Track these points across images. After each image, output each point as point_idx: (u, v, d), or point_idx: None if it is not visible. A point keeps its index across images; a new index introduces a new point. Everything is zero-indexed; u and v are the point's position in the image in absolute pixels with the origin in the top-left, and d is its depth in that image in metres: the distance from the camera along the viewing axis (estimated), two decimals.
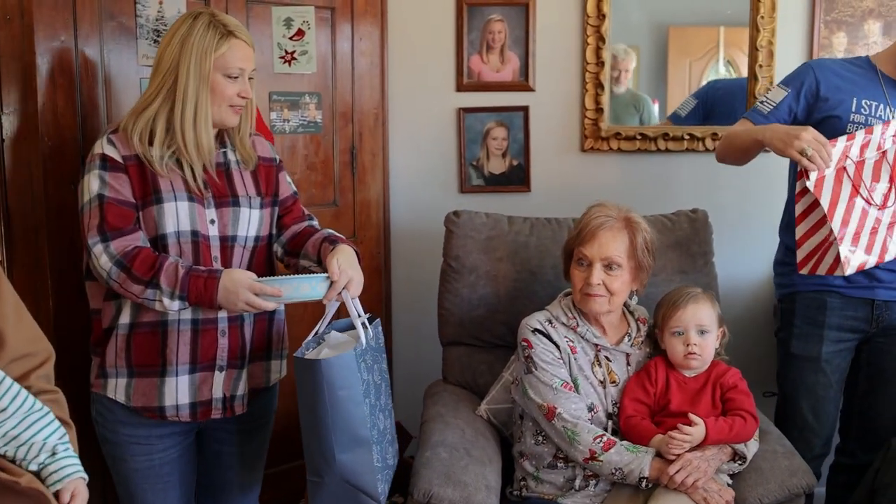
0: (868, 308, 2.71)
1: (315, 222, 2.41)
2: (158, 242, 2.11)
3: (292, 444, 2.51)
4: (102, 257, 2.04)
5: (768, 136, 2.54)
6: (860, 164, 2.52)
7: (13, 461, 1.57)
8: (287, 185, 2.39)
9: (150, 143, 2.12)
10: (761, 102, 2.76)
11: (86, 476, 1.59)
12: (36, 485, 1.50)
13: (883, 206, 2.54)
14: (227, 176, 2.23)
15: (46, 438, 1.58)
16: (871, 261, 2.52)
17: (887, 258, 2.54)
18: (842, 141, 2.48)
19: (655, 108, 3.57)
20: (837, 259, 2.48)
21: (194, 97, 2.12)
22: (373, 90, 3.23)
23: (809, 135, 2.43)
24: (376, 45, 3.23)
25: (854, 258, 2.49)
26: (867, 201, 2.52)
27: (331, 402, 2.04)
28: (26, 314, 1.76)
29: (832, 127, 2.61)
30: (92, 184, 2.09)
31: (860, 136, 2.51)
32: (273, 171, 2.34)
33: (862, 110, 2.63)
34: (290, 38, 2.93)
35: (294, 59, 2.95)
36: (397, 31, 3.32)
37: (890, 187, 2.54)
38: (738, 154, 2.77)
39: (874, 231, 2.53)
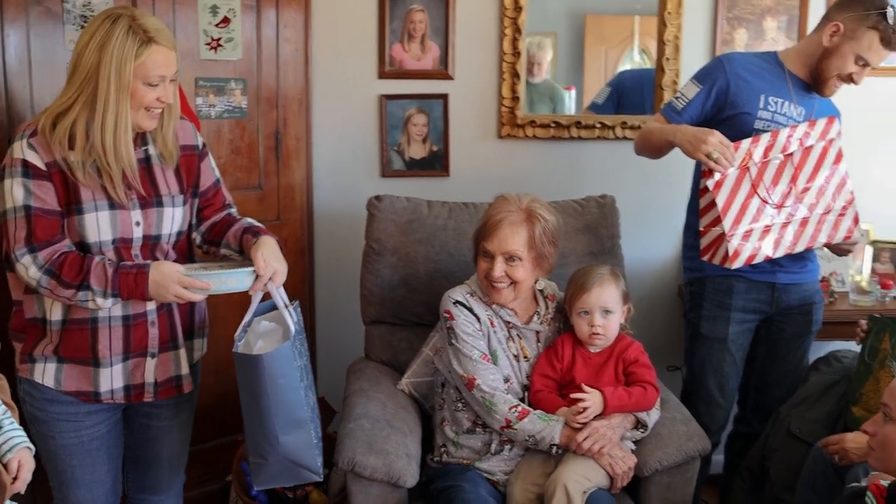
0: (769, 291, 2.89)
1: (234, 210, 2.43)
2: (80, 245, 2.13)
3: (216, 421, 2.60)
4: (31, 268, 2.06)
5: (678, 139, 2.70)
6: (764, 165, 2.69)
7: None
8: (210, 172, 2.39)
9: (71, 149, 2.08)
10: (676, 98, 2.89)
11: (32, 447, 1.67)
12: None
13: (780, 207, 2.71)
14: (150, 175, 2.22)
15: None
16: (762, 255, 2.70)
17: (778, 254, 2.72)
18: (746, 143, 2.66)
19: (572, 95, 3.66)
20: (726, 254, 2.67)
21: (114, 107, 2.06)
22: (297, 76, 3.28)
23: (715, 139, 2.60)
24: (300, 32, 3.27)
25: (743, 253, 2.67)
26: (764, 201, 2.70)
27: (272, 390, 2.13)
28: None
29: (741, 123, 2.78)
30: (16, 192, 2.06)
31: (765, 138, 2.68)
32: (195, 159, 2.33)
33: (769, 107, 2.78)
34: (216, 26, 2.98)
35: (220, 45, 3.00)
36: (321, 19, 3.37)
37: (790, 189, 2.72)
38: (653, 151, 2.91)
39: (767, 230, 2.70)
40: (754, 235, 2.69)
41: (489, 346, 2.57)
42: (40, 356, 2.18)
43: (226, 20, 2.99)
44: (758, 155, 2.68)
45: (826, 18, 2.79)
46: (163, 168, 2.25)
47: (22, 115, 2.62)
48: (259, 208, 3.14)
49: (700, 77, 2.88)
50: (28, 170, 2.07)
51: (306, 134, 3.37)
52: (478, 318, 2.57)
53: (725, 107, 2.82)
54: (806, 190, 2.73)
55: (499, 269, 2.52)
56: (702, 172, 2.71)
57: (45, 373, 2.18)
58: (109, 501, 2.37)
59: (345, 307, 3.40)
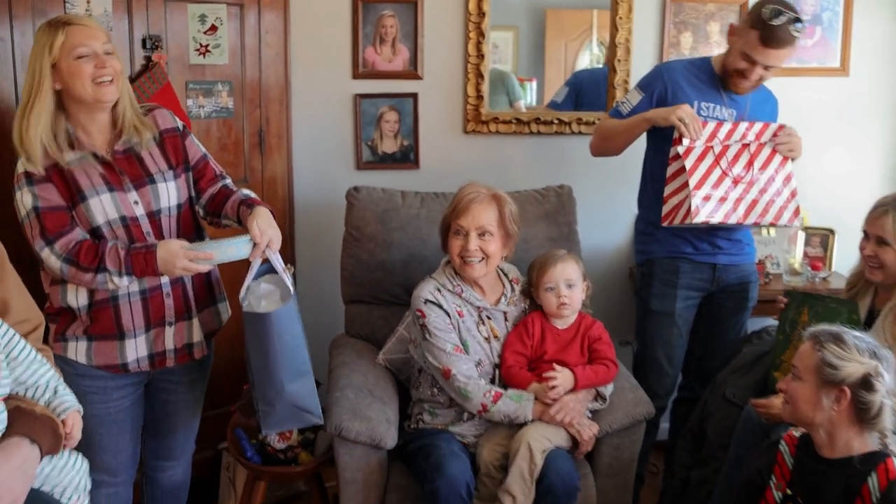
0: (711, 271, 3.17)
1: (228, 181, 2.63)
2: (94, 233, 2.36)
3: (209, 395, 2.84)
4: (51, 258, 2.30)
5: (654, 114, 3.01)
6: (725, 148, 2.98)
7: None
8: (196, 148, 2.58)
9: (61, 151, 2.31)
10: (622, 103, 3.15)
11: (81, 409, 1.92)
12: (48, 412, 1.83)
13: (736, 182, 2.99)
14: (138, 158, 2.43)
15: (49, 381, 1.89)
16: (717, 218, 2.96)
17: (730, 221, 2.99)
18: (712, 123, 2.95)
19: (533, 87, 3.86)
20: (688, 209, 2.94)
21: (50, 93, 2.28)
22: (277, 78, 3.49)
23: (688, 109, 2.91)
24: (280, 37, 3.47)
25: (703, 211, 2.95)
26: (724, 172, 2.98)
27: (279, 344, 2.38)
28: (24, 288, 2.05)
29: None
30: (25, 199, 2.30)
31: (727, 124, 2.97)
32: (178, 139, 2.53)
33: (701, 112, 3.05)
34: (205, 33, 3.20)
35: (208, 51, 3.22)
36: (299, 25, 3.57)
37: (746, 171, 3.00)
38: (617, 143, 3.15)
39: (723, 199, 2.98)
40: (712, 201, 2.96)
41: (460, 337, 2.80)
42: (72, 336, 2.42)
43: (213, 28, 3.21)
44: (722, 134, 2.96)
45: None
46: (149, 151, 2.47)
47: None
48: None
49: (642, 85, 3.14)
50: (31, 178, 2.31)
51: (287, 131, 3.58)
52: (447, 314, 2.79)
53: None
54: (758, 175, 3.01)
55: (473, 242, 2.75)
56: (673, 140, 2.97)
57: (77, 350, 2.42)
58: (130, 466, 2.63)
59: (323, 288, 3.63)
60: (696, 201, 2.94)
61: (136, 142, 2.45)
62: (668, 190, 3.04)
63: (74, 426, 1.88)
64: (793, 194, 3.07)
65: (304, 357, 2.48)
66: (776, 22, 2.86)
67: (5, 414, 1.75)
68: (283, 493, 3.48)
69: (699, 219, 2.95)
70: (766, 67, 2.96)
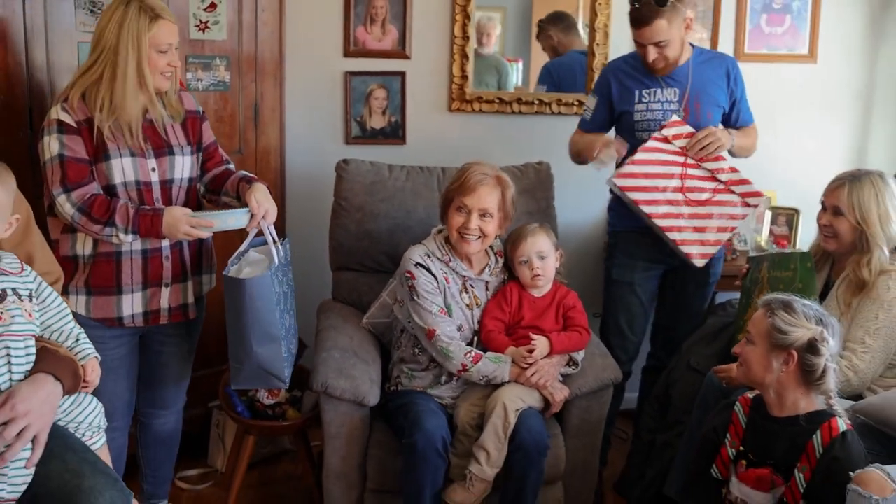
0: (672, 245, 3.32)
1: (231, 165, 2.87)
2: (109, 190, 2.55)
3: (200, 355, 3.00)
4: (66, 205, 2.47)
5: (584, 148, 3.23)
6: (697, 164, 3.14)
7: None
8: (209, 133, 2.83)
9: (100, 111, 2.51)
10: (585, 111, 3.36)
11: (99, 357, 2.10)
12: (70, 355, 2.00)
13: (686, 197, 3.15)
14: (162, 129, 2.66)
15: (72, 329, 2.07)
16: (634, 196, 3.12)
17: (645, 210, 3.14)
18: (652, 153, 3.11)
19: (519, 67, 4.00)
20: (616, 173, 3.15)
21: (135, 70, 2.51)
22: (272, 54, 3.61)
23: (602, 142, 3.15)
24: (276, 15, 3.60)
25: (627, 181, 3.13)
26: (682, 188, 3.13)
27: (251, 309, 2.56)
28: (46, 243, 2.23)
29: (626, 119, 3.25)
30: (52, 145, 2.49)
31: (658, 140, 3.12)
32: (198, 122, 2.78)
33: (643, 100, 3.22)
34: (205, 10, 3.33)
35: (207, 27, 3.35)
36: (294, 3, 3.69)
37: (706, 196, 3.17)
38: (585, 156, 3.31)
39: (662, 190, 3.13)
40: (643, 181, 3.12)
41: (445, 301, 2.96)
42: (73, 289, 2.60)
43: (213, 5, 3.34)
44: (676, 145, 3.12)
45: None
46: (172, 125, 2.69)
47: (41, 87, 2.98)
48: (240, 169, 3.47)
49: (595, 89, 3.35)
50: (62, 127, 2.50)
51: (280, 105, 3.71)
52: (435, 278, 2.94)
53: (615, 109, 3.29)
54: (705, 208, 3.18)
55: (474, 222, 2.89)
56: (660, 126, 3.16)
57: (78, 303, 2.60)
58: (125, 412, 2.81)
59: (311, 255, 3.74)
60: (627, 168, 3.11)
61: (167, 116, 2.67)
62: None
63: (93, 372, 2.06)
64: (718, 242, 3.22)
65: (276, 324, 2.64)
66: (636, 4, 3.07)
67: (34, 350, 1.93)
68: (268, 450, 3.65)
69: (618, 182, 3.12)
70: (657, 45, 3.10)
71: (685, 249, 3.17)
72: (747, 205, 3.21)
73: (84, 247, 2.59)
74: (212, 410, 3.61)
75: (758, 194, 3.21)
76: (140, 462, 3.04)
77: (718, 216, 3.18)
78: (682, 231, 3.15)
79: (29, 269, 1.99)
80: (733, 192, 3.17)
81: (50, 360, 1.93)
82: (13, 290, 1.91)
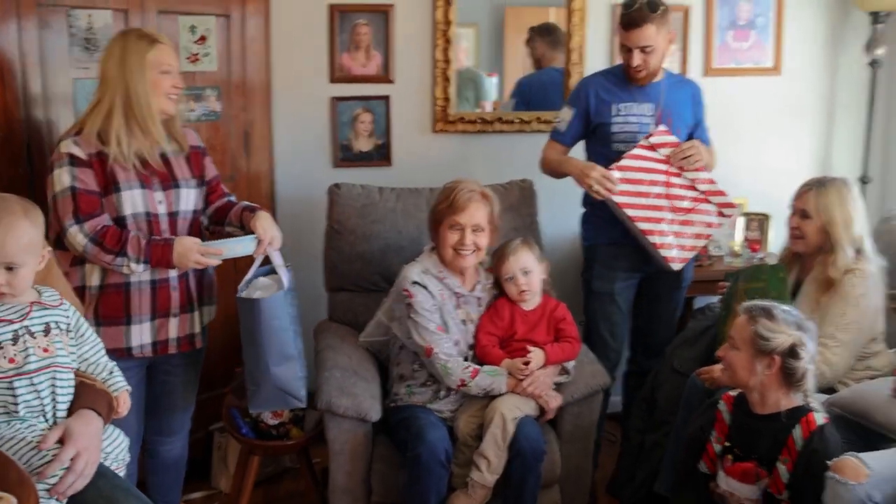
0: (647, 254, 3.41)
1: (233, 197, 2.96)
2: (119, 222, 2.62)
3: (203, 379, 3.08)
4: (79, 236, 2.54)
5: (570, 171, 3.32)
6: (679, 174, 3.27)
7: None
8: (212, 167, 2.92)
9: (108, 143, 2.60)
10: (558, 122, 3.45)
11: (129, 388, 2.19)
12: (104, 388, 2.10)
13: (671, 202, 3.27)
14: (167, 164, 2.75)
15: (106, 362, 2.17)
16: (620, 199, 3.21)
17: (629, 213, 3.24)
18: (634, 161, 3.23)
19: (494, 82, 4.09)
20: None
21: (145, 95, 2.61)
22: (261, 83, 3.71)
23: (596, 174, 3.21)
24: (263, 45, 3.70)
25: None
26: (667, 194, 3.26)
27: (266, 329, 2.66)
28: (64, 277, 2.33)
29: (603, 132, 3.36)
30: (63, 178, 2.56)
31: (639, 149, 3.25)
32: (200, 156, 2.87)
33: (620, 114, 3.35)
34: (195, 42, 3.43)
35: (198, 59, 3.45)
36: (280, 33, 3.79)
37: (687, 204, 3.30)
38: (554, 175, 3.46)
39: (644, 195, 3.25)
40: (631, 188, 3.24)
41: (441, 318, 3.05)
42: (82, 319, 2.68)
43: (203, 38, 3.45)
44: (660, 154, 3.25)
45: None
46: (177, 159, 2.78)
47: (37, 122, 3.07)
48: (231, 194, 3.52)
49: (571, 101, 3.45)
50: (73, 160, 2.58)
51: (269, 131, 3.80)
52: (432, 295, 3.05)
53: (591, 121, 3.40)
54: (687, 216, 3.31)
55: (469, 237, 3.00)
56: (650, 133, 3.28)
57: None
58: (135, 441, 2.80)
59: (303, 277, 3.70)
60: (612, 173, 3.21)
61: (172, 150, 2.76)
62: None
63: (124, 404, 2.16)
64: (693, 248, 3.35)
65: (290, 343, 2.74)
66: (629, 7, 3.21)
67: (74, 382, 2.03)
68: (271, 469, 3.73)
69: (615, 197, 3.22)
70: (643, 50, 3.24)
71: (664, 253, 3.29)
72: (722, 215, 3.35)
73: (91, 278, 2.65)
74: (213, 433, 3.68)
75: (732, 205, 3.37)
76: (148, 489, 3.10)
77: (697, 223, 3.32)
78: (663, 235, 3.28)
79: (67, 303, 2.09)
80: (710, 203, 3.31)
81: (90, 394, 2.04)
82: (55, 323, 2.02)
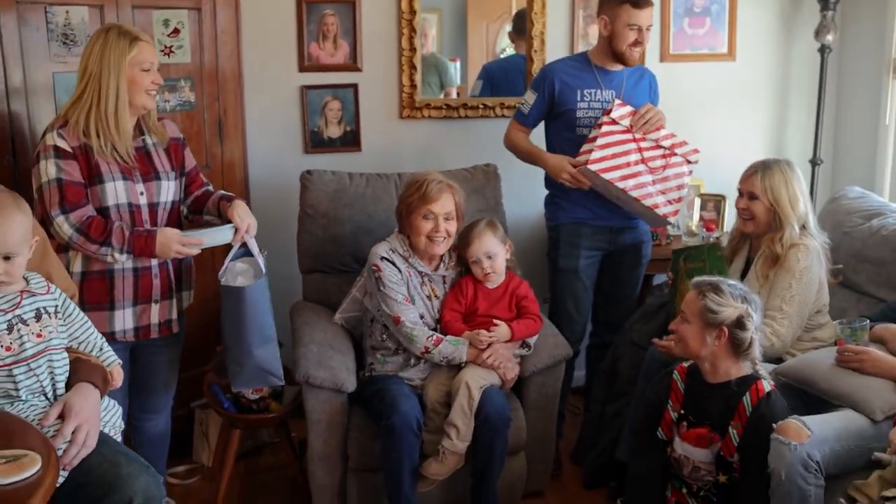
0: (609, 233, 3.62)
1: (210, 187, 3.06)
2: (102, 212, 2.72)
3: (183, 360, 3.20)
4: (65, 226, 2.64)
5: (543, 167, 3.50)
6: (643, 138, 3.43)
7: None
8: (191, 158, 3.02)
9: (97, 136, 2.68)
10: (522, 105, 3.60)
11: (121, 362, 2.33)
12: (99, 362, 2.23)
13: (644, 161, 3.43)
14: (148, 157, 2.85)
15: (96, 339, 2.29)
16: (609, 176, 3.37)
17: (619, 185, 3.39)
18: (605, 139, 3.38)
19: (457, 66, 4.20)
20: (587, 159, 3.37)
21: (115, 92, 2.69)
22: (233, 73, 3.80)
23: (567, 175, 3.41)
24: (234, 36, 3.79)
25: (599, 164, 3.37)
26: (639, 149, 3.41)
27: (249, 314, 2.80)
28: (60, 263, 2.44)
29: (568, 116, 3.50)
30: (49, 169, 2.64)
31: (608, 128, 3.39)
32: (180, 148, 2.97)
33: (585, 99, 3.50)
34: (168, 35, 3.52)
35: (172, 51, 3.54)
36: (250, 25, 3.87)
37: (660, 161, 3.47)
38: (522, 157, 3.62)
39: (626, 165, 3.40)
40: (612, 161, 3.38)
41: (408, 291, 3.22)
42: None
43: (176, 31, 3.55)
44: (622, 124, 3.40)
45: (597, 16, 3.52)
46: (157, 151, 2.88)
47: (20, 114, 3.17)
48: (207, 181, 3.55)
49: (534, 86, 3.59)
50: (58, 152, 2.66)
51: (241, 120, 3.90)
52: (399, 270, 3.20)
53: (555, 106, 3.54)
54: (662, 172, 3.46)
55: (442, 226, 3.17)
56: (604, 111, 3.43)
57: None
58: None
59: (277, 260, 3.75)
60: (596, 153, 3.37)
61: (152, 142, 2.86)
62: (590, 135, 3.45)
63: (118, 376, 2.31)
64: (679, 199, 3.52)
65: (270, 325, 2.89)
66: None
67: (68, 360, 2.17)
68: (250, 443, 3.87)
69: (593, 168, 3.36)
70: (649, 28, 3.46)
71: (660, 211, 3.46)
72: (689, 161, 3.52)
73: (74, 265, 2.75)
74: (194, 410, 3.80)
75: (695, 151, 3.53)
76: None
77: (673, 176, 3.48)
78: (653, 196, 3.44)
79: (54, 287, 2.21)
80: (677, 154, 3.48)
81: (85, 369, 2.17)
82: (45, 308, 2.14)
